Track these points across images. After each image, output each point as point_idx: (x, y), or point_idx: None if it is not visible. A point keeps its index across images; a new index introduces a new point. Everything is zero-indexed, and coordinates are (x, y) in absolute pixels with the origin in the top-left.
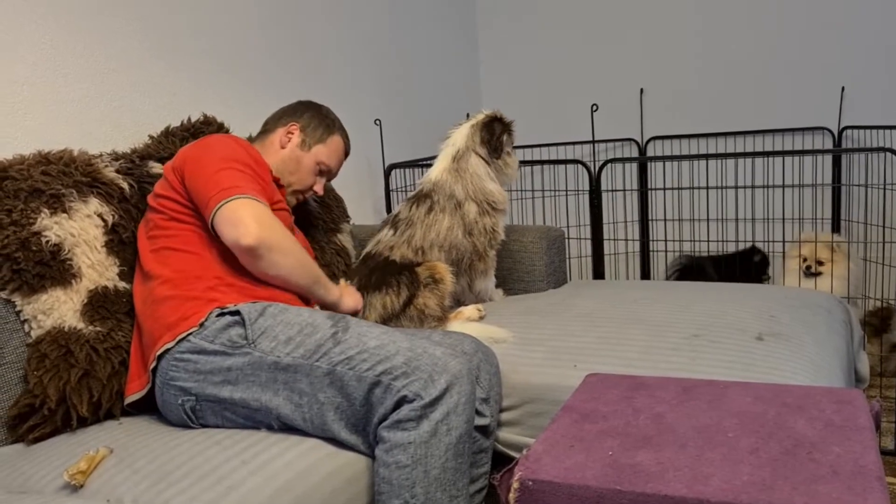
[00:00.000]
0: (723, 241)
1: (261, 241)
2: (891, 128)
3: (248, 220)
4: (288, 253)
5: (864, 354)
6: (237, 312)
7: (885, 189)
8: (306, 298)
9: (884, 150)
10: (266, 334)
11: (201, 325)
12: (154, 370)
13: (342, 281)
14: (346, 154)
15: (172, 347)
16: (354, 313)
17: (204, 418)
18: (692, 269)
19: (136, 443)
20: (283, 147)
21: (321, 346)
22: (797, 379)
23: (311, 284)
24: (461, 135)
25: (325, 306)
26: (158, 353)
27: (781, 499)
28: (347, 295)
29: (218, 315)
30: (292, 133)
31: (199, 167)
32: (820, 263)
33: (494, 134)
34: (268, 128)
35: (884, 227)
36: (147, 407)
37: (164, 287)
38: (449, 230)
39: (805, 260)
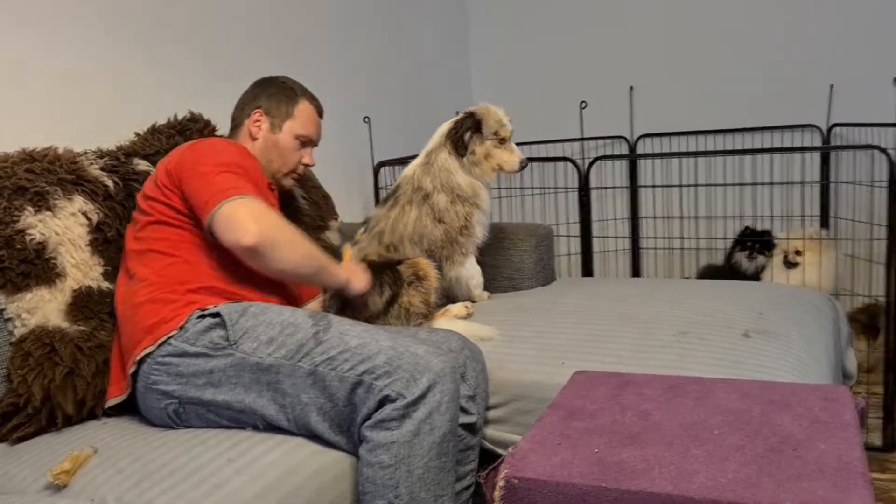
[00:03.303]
0: (712, 237)
1: (261, 239)
2: (879, 125)
3: (246, 221)
4: (291, 246)
5: (851, 351)
6: (217, 314)
7: (872, 186)
8: (294, 299)
9: (871, 147)
10: (248, 335)
11: (182, 327)
12: (135, 374)
13: (346, 253)
14: (320, 115)
15: (153, 351)
16: (365, 294)
17: (188, 421)
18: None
19: (120, 442)
20: (255, 138)
21: (303, 346)
22: (784, 376)
23: (317, 273)
24: (439, 132)
25: (336, 290)
26: (139, 357)
27: (766, 496)
28: (353, 277)
29: (199, 317)
30: (259, 120)
31: (195, 171)
32: (798, 253)
33: (458, 131)
34: (236, 122)
35: (871, 224)
36: (130, 407)
37: (146, 290)
38: (417, 220)
39: (785, 252)
